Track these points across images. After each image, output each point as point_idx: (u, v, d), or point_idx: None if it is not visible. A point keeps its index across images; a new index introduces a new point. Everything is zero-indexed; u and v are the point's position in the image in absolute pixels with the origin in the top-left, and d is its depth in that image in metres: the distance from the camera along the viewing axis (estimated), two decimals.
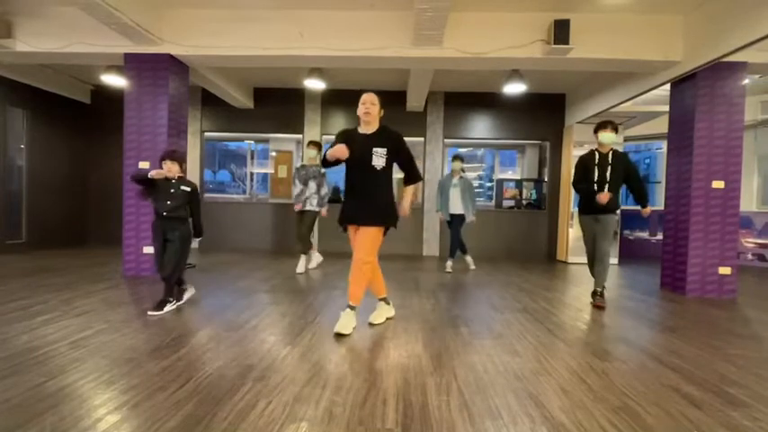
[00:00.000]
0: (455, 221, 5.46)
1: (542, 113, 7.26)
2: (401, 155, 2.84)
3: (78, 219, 7.32)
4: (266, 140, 8.30)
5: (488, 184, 9.18)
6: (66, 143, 7.12)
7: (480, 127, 7.38)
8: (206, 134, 7.61)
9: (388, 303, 3.18)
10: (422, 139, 7.40)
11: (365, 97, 2.80)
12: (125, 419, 1.62)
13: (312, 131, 7.34)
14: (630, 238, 8.18)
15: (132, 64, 4.66)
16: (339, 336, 2.70)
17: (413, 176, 2.93)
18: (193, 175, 7.17)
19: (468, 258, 5.77)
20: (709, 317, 3.58)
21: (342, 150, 2.60)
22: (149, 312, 3.07)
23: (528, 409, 1.79)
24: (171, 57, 4.64)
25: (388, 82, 6.69)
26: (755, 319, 3.56)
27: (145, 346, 2.43)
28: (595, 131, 3.76)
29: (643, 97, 5.37)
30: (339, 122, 7.38)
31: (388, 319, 3.13)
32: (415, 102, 6.78)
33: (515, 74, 5.53)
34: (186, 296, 3.39)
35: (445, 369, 2.21)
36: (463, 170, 5.54)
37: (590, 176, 3.75)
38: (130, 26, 4.06)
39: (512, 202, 7.74)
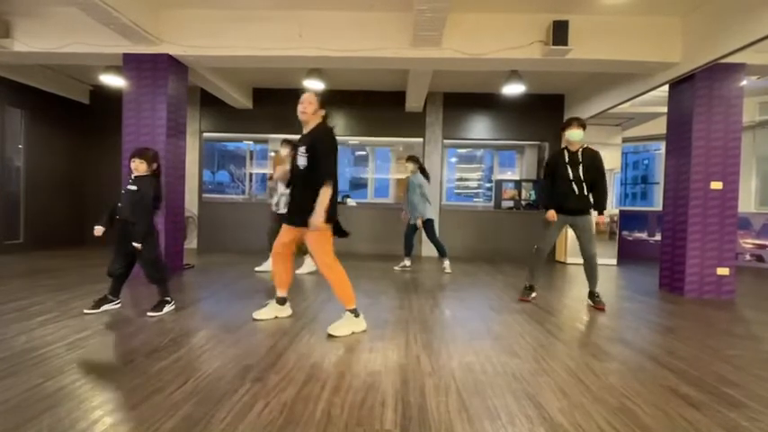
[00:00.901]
0: (425, 223, 5.50)
1: (541, 114, 7.27)
2: (316, 152, 2.66)
3: (77, 219, 7.30)
4: (265, 141, 8.29)
5: (487, 185, 9.17)
6: (65, 143, 7.10)
7: (479, 128, 7.39)
8: (205, 134, 7.60)
9: (283, 304, 3.13)
10: (421, 139, 7.40)
11: (302, 97, 2.77)
12: (123, 421, 1.61)
13: None
14: (629, 238, 8.19)
15: (131, 64, 4.65)
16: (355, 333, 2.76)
17: (321, 175, 2.63)
18: (192, 175, 7.16)
19: (408, 261, 5.72)
20: (708, 317, 3.59)
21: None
22: (149, 313, 3.06)
23: (526, 410, 1.79)
24: (170, 57, 4.64)
25: (387, 82, 6.70)
26: (754, 320, 3.57)
27: (143, 346, 2.43)
28: (562, 129, 3.72)
29: (641, 98, 5.38)
30: (338, 123, 7.32)
31: (276, 317, 3.09)
32: (414, 102, 6.78)
33: (514, 75, 5.53)
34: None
35: (444, 370, 2.21)
36: (413, 171, 5.54)
37: (564, 175, 3.67)
38: (129, 26, 4.06)
39: (511, 203, 7.75)
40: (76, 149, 7.29)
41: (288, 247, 2.97)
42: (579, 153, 3.68)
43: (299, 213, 2.73)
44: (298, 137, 2.93)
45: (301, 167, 2.74)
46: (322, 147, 2.69)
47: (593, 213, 3.73)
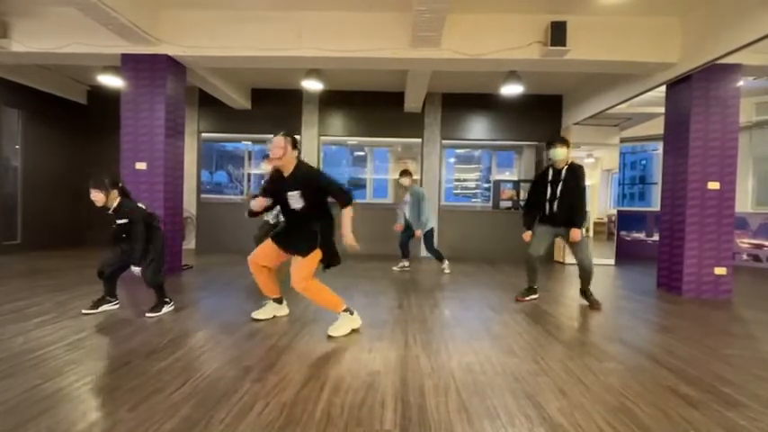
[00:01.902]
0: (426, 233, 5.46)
1: (539, 115, 7.28)
2: (313, 189, 2.72)
3: (74, 220, 7.28)
4: (263, 141, 8.28)
5: (486, 185, 9.18)
6: (63, 144, 7.08)
7: (478, 128, 7.40)
8: (203, 135, 7.59)
9: (281, 303, 3.22)
10: (419, 140, 7.41)
11: (273, 142, 2.72)
12: (121, 422, 1.61)
13: (310, 132, 7.34)
14: (627, 238, 8.21)
15: (129, 64, 4.64)
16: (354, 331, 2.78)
17: (340, 201, 2.71)
18: (190, 176, 7.13)
19: (406, 261, 5.70)
20: (706, 317, 3.60)
21: (260, 203, 2.84)
22: (147, 314, 3.06)
23: (526, 410, 1.79)
24: (168, 57, 4.63)
25: (385, 83, 6.70)
26: (751, 319, 3.58)
27: (142, 347, 2.42)
28: (547, 148, 3.74)
29: (639, 99, 5.40)
30: (337, 123, 7.38)
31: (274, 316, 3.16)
32: (412, 103, 6.79)
33: (513, 75, 5.54)
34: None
35: (443, 370, 2.22)
36: (410, 184, 5.48)
37: (544, 193, 3.74)
38: (127, 27, 4.05)
39: (509, 203, 7.76)
40: (74, 150, 7.27)
41: (270, 268, 3.05)
42: (563, 171, 3.69)
43: (295, 244, 2.79)
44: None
45: (299, 210, 2.75)
46: (319, 181, 2.73)
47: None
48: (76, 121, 7.28)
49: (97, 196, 2.90)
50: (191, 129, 7.24)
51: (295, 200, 2.73)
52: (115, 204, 2.97)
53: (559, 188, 3.66)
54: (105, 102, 7.06)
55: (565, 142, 3.67)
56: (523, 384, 2.06)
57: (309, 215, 2.77)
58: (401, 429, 1.61)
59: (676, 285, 4.53)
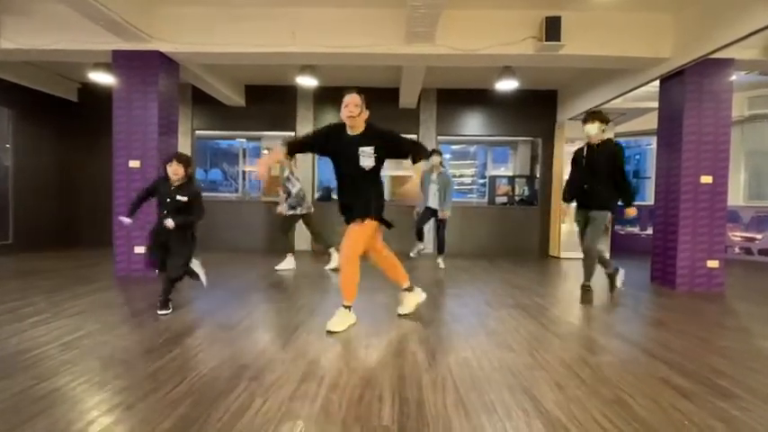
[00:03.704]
0: (435, 218, 5.53)
1: (534, 110, 7.29)
2: (390, 143, 2.78)
3: (67, 219, 7.20)
4: (258, 138, 8.23)
5: (481, 181, 9.19)
6: (54, 142, 6.99)
7: (473, 124, 7.40)
8: (197, 132, 7.53)
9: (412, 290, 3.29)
10: (415, 136, 7.39)
11: (348, 99, 2.71)
12: (118, 421, 1.60)
13: (304, 129, 7.30)
14: (621, 232, 8.27)
15: (121, 61, 4.58)
16: (331, 333, 2.71)
17: (420, 154, 2.76)
18: None
19: (422, 245, 5.78)
20: (699, 310, 3.64)
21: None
22: (159, 312, 3.04)
23: (523, 404, 1.81)
24: (160, 54, 4.57)
25: (380, 79, 6.67)
26: (743, 312, 3.63)
27: (138, 346, 2.41)
28: (583, 123, 3.70)
29: (633, 94, 5.42)
30: (332, 120, 7.30)
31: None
32: (407, 99, 6.77)
33: (507, 71, 5.53)
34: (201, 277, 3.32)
35: (440, 365, 2.23)
36: (442, 164, 5.57)
37: (580, 170, 3.70)
38: (119, 23, 3.99)
39: (504, 199, 7.79)
40: (65, 148, 7.18)
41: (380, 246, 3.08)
42: (598, 147, 3.65)
43: (354, 212, 2.80)
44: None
45: (368, 168, 2.75)
46: (392, 136, 2.80)
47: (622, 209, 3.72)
48: (68, 118, 7.18)
49: (179, 170, 3.05)
50: (184, 126, 7.17)
51: (367, 156, 2.72)
52: (181, 181, 3.10)
53: (595, 165, 3.60)
54: (97, 99, 6.97)
55: (600, 118, 3.59)
56: (520, 379, 2.07)
57: (370, 178, 2.78)
58: (399, 425, 1.62)
59: (670, 279, 4.57)
